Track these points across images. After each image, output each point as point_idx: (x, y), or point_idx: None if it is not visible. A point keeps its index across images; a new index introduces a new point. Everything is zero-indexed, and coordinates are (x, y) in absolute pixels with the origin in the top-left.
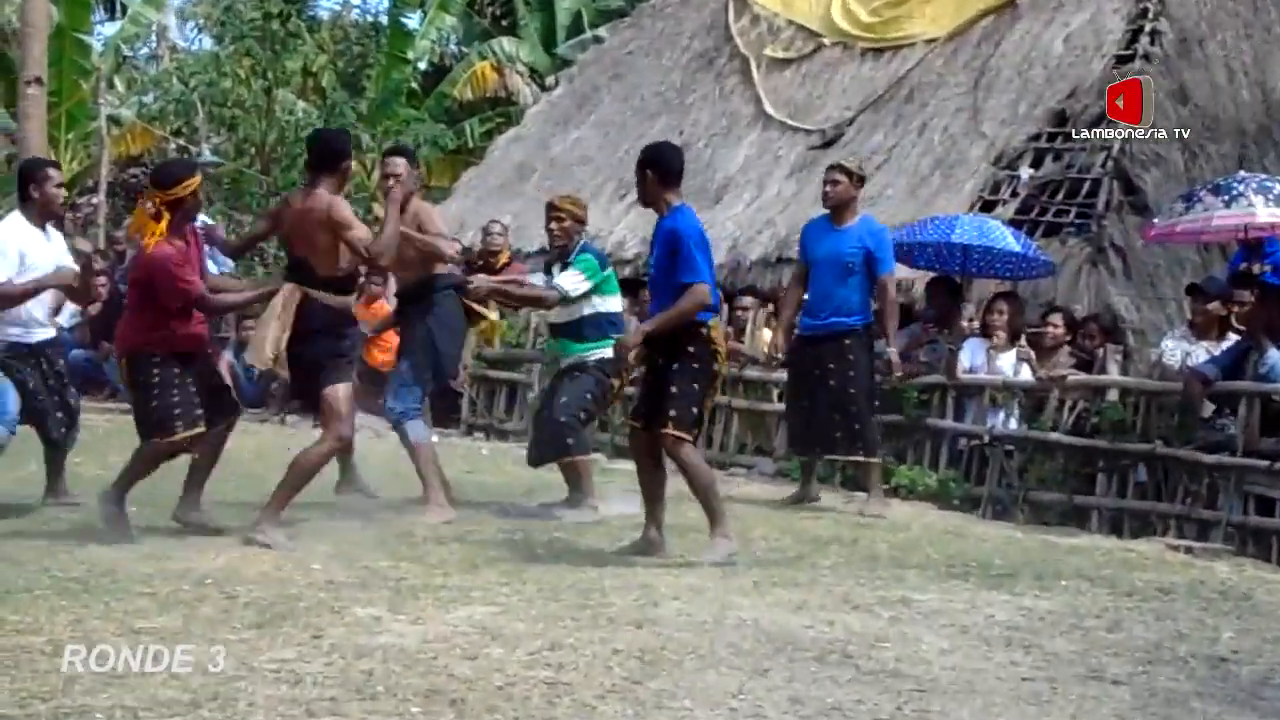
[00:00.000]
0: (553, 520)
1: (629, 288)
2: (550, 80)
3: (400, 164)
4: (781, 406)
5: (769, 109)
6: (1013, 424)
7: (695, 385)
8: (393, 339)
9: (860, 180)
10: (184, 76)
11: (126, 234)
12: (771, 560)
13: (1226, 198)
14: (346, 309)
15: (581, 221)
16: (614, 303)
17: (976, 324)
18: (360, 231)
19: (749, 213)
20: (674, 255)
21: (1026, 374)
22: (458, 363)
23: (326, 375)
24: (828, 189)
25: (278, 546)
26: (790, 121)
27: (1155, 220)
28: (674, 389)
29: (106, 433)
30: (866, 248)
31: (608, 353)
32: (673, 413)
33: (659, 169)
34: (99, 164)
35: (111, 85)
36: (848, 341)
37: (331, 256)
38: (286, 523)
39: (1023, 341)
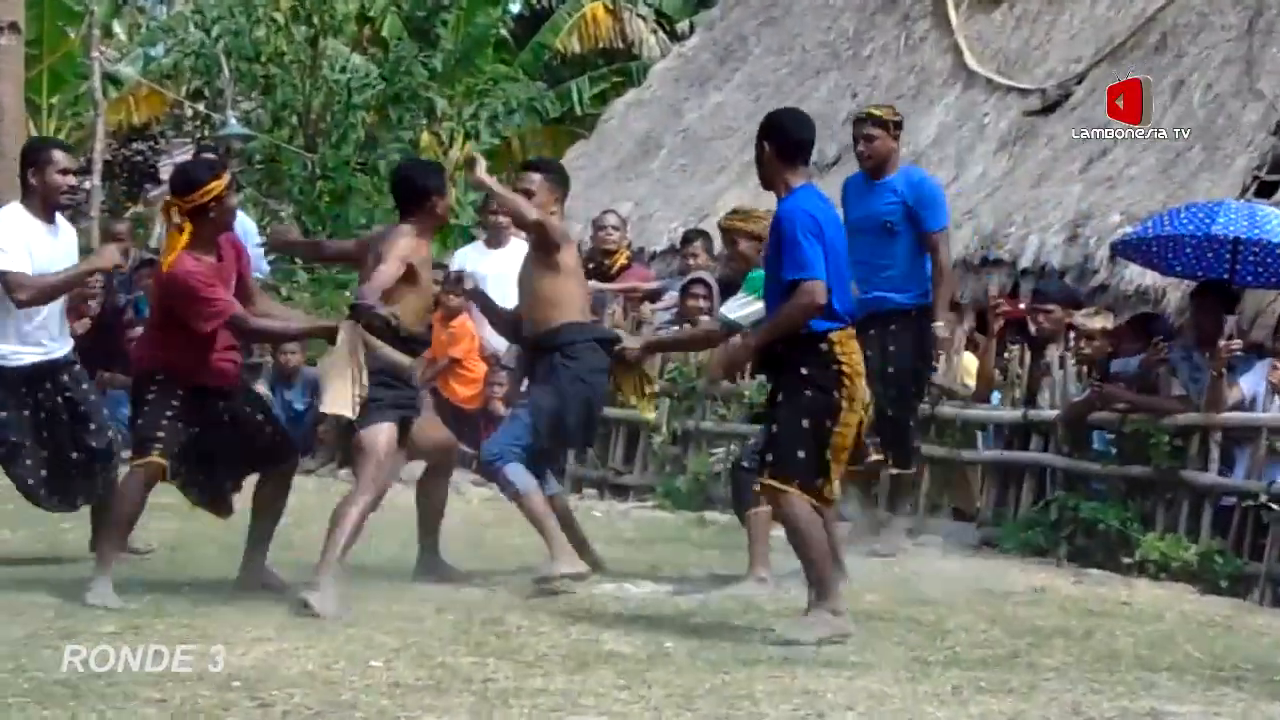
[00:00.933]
0: (695, 601)
1: None
2: (683, 27)
3: (536, 180)
4: (986, 454)
5: (971, 63)
6: None
7: (804, 421)
8: (478, 368)
9: (898, 127)
10: (204, 23)
11: (161, 250)
12: (976, 659)
13: None
14: (403, 370)
15: (760, 238)
16: None
17: (1237, 344)
18: (388, 268)
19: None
20: (779, 247)
21: None
22: (590, 434)
23: (362, 417)
24: (861, 147)
25: (327, 615)
26: (1000, 78)
27: None
28: (775, 424)
29: None
30: (905, 201)
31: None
32: (770, 456)
33: (777, 141)
34: (92, 136)
35: (109, 34)
36: (893, 327)
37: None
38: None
39: None
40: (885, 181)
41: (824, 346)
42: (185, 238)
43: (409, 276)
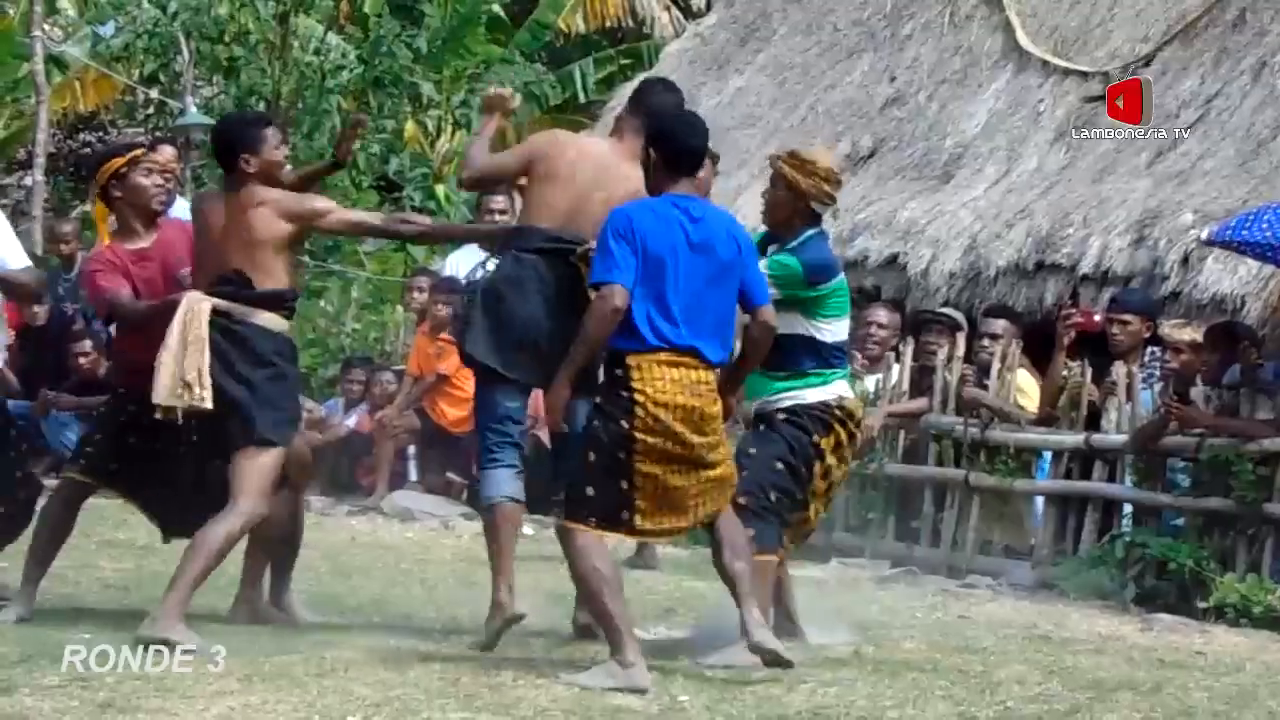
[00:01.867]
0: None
1: None
2: (699, 3)
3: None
4: (1043, 484)
5: (1025, 42)
6: None
7: (590, 454)
8: (469, 386)
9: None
10: None
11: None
12: (1030, 715)
13: None
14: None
15: (807, 196)
16: (837, 329)
17: None
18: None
19: (994, 197)
20: None
21: None
22: None
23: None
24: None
25: (187, 643)
26: (1057, 60)
27: None
28: (577, 456)
29: None
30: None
31: (820, 395)
32: (564, 492)
33: (661, 147)
34: (34, 126)
35: (53, 10)
36: None
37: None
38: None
39: None
40: None
41: (618, 371)
42: (105, 226)
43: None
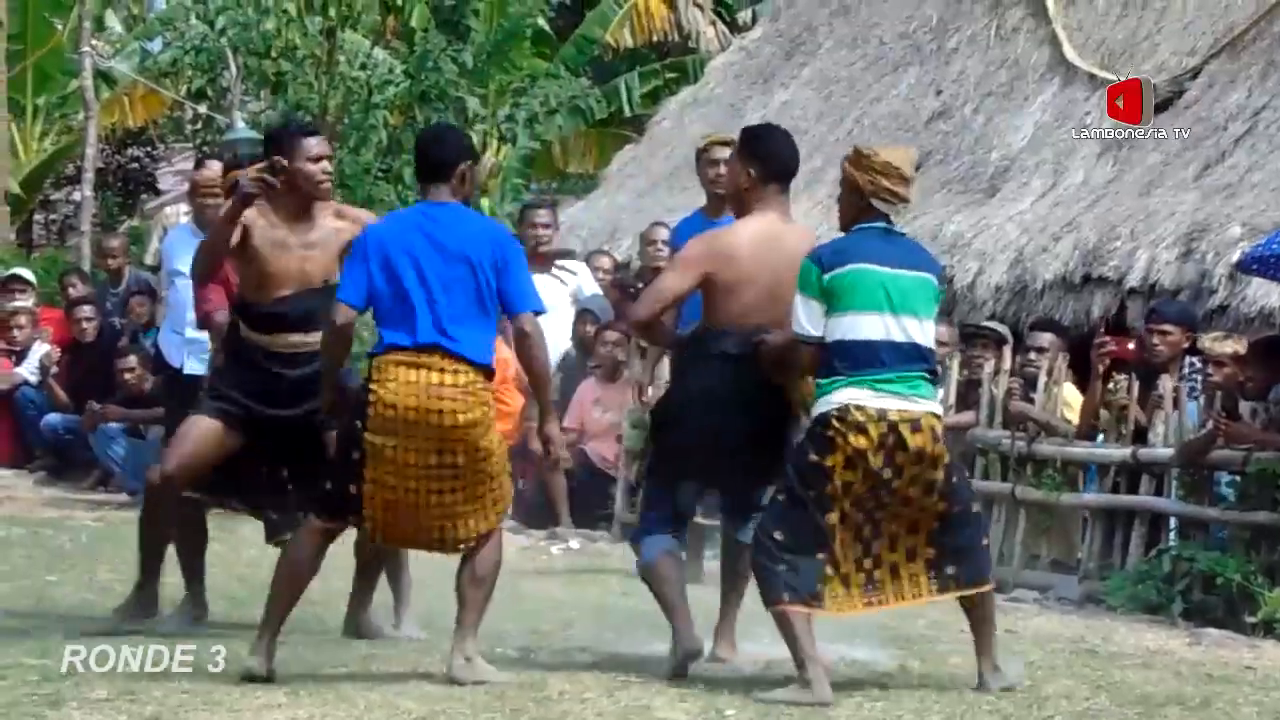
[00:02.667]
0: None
1: None
2: (745, 18)
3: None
4: (1090, 498)
5: (1071, 55)
6: None
7: (332, 448)
8: (514, 400)
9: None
10: (207, 14)
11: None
12: None
13: None
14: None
15: (864, 192)
16: (847, 326)
17: None
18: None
19: (1041, 210)
20: None
21: None
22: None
23: None
24: (719, 172)
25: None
26: (1104, 73)
27: None
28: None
29: (96, 537)
30: None
31: (819, 408)
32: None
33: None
34: (83, 141)
35: (101, 27)
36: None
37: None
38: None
39: None
40: (726, 219)
41: (366, 371)
42: None
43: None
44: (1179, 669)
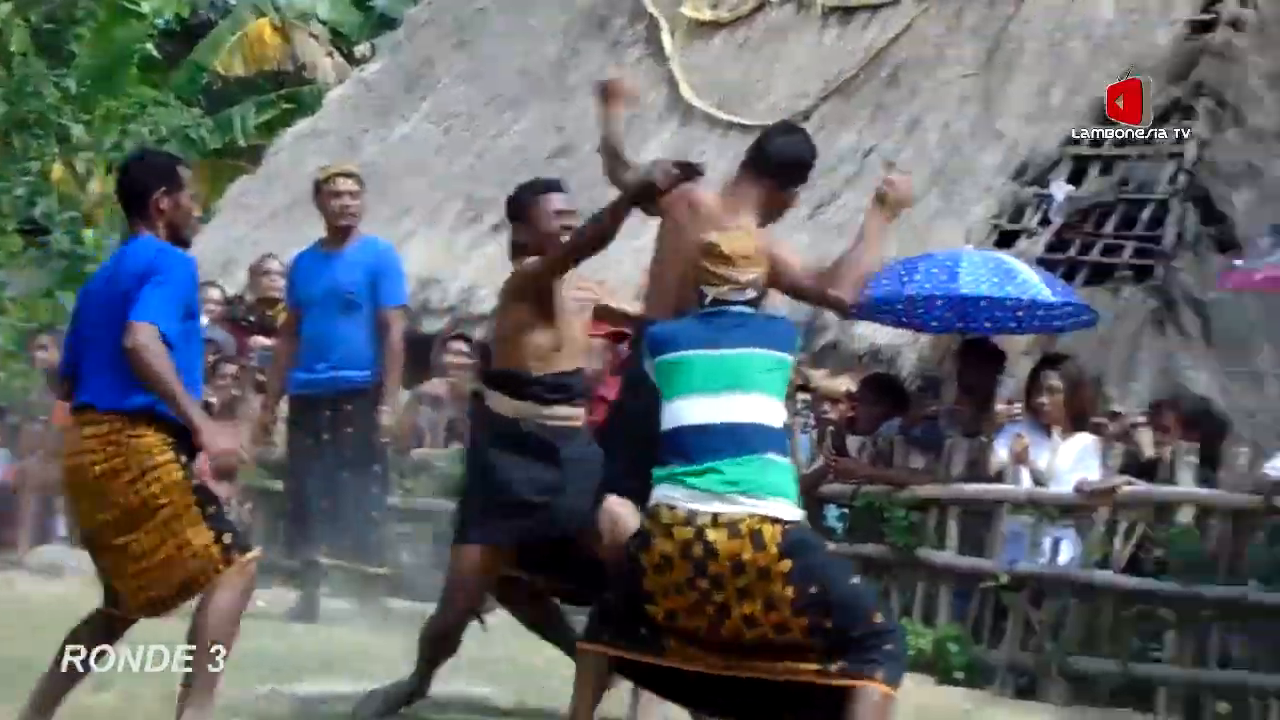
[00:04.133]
0: None
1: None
2: (363, 50)
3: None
4: None
5: (688, 95)
6: (1065, 554)
7: None
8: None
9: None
10: None
11: None
12: None
13: None
14: None
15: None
16: (670, 413)
17: (1017, 408)
18: None
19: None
20: None
21: (1095, 476)
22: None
23: None
24: (343, 204)
25: None
26: (719, 113)
27: (1238, 262)
28: None
29: None
30: (369, 272)
31: None
32: None
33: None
34: None
35: None
36: (349, 406)
37: None
38: None
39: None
40: (345, 252)
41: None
42: None
43: None
44: None
